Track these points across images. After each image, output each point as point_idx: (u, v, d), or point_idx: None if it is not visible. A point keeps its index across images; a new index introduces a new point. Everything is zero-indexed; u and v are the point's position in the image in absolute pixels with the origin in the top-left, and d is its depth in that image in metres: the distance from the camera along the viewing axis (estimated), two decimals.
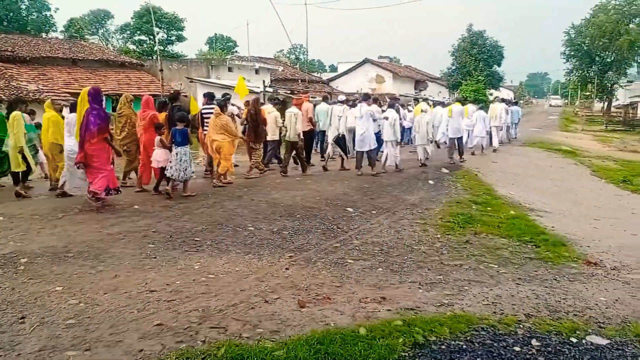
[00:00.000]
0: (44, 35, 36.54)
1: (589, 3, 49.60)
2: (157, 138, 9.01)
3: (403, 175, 12.26)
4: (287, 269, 5.53)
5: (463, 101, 18.15)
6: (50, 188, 9.56)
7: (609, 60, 49.17)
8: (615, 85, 51.91)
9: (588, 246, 7.16)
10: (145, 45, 45.35)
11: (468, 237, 7.27)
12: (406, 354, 3.62)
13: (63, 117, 9.37)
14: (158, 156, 8.95)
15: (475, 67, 45.44)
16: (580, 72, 53.25)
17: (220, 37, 64.67)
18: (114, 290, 4.72)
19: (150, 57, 36.08)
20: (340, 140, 13.14)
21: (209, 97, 11.17)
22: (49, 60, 22.30)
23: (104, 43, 47.87)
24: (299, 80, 33.55)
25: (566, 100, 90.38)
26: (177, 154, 8.74)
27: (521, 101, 66.33)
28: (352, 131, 12.90)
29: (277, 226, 7.30)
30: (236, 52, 55.09)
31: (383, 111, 13.27)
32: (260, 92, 17.94)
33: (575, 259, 6.40)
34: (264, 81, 24.01)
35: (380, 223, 7.84)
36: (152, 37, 43.13)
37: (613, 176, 15.33)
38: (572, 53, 51.54)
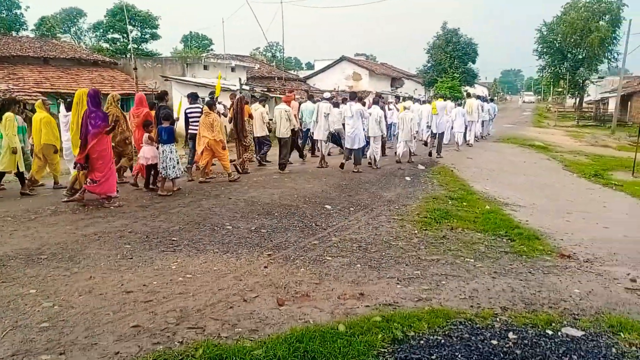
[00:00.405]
0: (14, 34, 35.60)
1: (560, 0, 50.12)
2: (145, 135, 9.15)
3: (380, 172, 12.34)
4: (265, 267, 5.51)
5: (445, 98, 18.72)
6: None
7: (580, 56, 49.98)
8: (586, 82, 52.83)
9: (561, 239, 7.30)
10: (118, 44, 44.73)
11: (445, 232, 7.34)
12: (385, 350, 3.64)
13: (53, 115, 9.53)
14: (146, 153, 9.13)
15: (450, 65, 45.96)
16: (552, 68, 54.10)
17: (195, 35, 64.04)
18: (89, 292, 4.65)
19: (124, 56, 35.55)
20: (335, 137, 13.36)
21: (193, 98, 11.33)
22: (20, 59, 21.75)
23: (76, 41, 46.94)
24: (276, 78, 33.39)
25: (539, 97, 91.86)
26: (163, 151, 8.96)
27: (495, 97, 67.22)
28: (339, 130, 13.21)
29: (255, 224, 7.26)
30: (212, 50, 54.66)
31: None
32: (237, 89, 17.83)
33: (549, 252, 6.52)
34: (240, 79, 23.80)
35: (358, 220, 7.87)
36: (125, 35, 42.57)
37: (585, 170, 15.64)
38: (545, 50, 52.31)
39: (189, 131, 11.09)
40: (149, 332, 3.87)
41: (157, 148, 9.08)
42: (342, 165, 12.31)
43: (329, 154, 14.14)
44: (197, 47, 54.33)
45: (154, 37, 47.59)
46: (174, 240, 6.36)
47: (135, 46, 42.83)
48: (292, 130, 12.43)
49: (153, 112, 9.86)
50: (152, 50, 47.32)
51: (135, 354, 3.55)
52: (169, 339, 3.77)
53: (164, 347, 3.63)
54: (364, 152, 13.03)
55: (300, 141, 14.47)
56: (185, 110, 11.20)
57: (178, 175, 9.28)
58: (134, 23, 44.64)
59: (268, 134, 12.85)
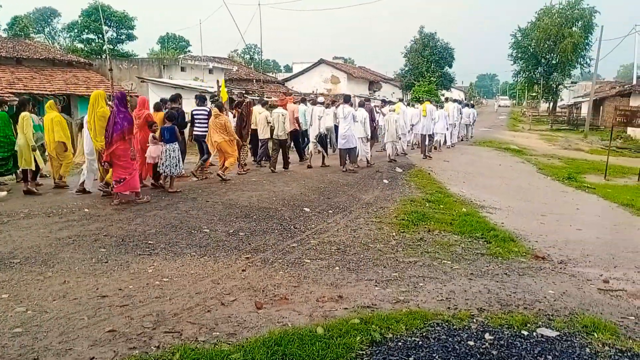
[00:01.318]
0: None
1: (534, 6, 51.14)
2: (150, 135, 9.39)
3: (358, 175, 12.38)
4: (243, 270, 5.48)
5: (431, 102, 19.61)
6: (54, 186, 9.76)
7: (553, 62, 50.98)
8: (560, 86, 53.96)
9: (536, 241, 7.42)
10: (93, 44, 44.07)
11: (422, 234, 7.40)
12: (363, 352, 3.65)
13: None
14: (152, 152, 9.38)
15: (427, 68, 46.38)
16: (527, 73, 55.15)
17: (172, 36, 63.48)
18: (63, 296, 4.56)
19: (99, 57, 35.09)
20: (322, 139, 13.64)
21: (201, 100, 11.68)
22: None
23: (50, 42, 46.17)
24: (254, 80, 33.26)
25: (514, 101, 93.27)
26: (166, 150, 9.23)
27: (472, 101, 68.09)
28: (330, 130, 13.80)
29: (233, 227, 7.22)
30: (189, 51, 54.25)
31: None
32: (215, 91, 17.80)
33: (524, 254, 6.62)
34: (217, 81, 23.67)
35: (336, 222, 7.88)
36: (101, 35, 42.00)
37: (558, 173, 15.92)
38: (519, 55, 53.27)
39: (194, 132, 11.54)
40: (125, 337, 3.81)
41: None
42: (344, 170, 12.82)
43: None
44: (174, 49, 53.80)
45: (130, 37, 47.06)
46: (150, 243, 6.28)
47: (111, 47, 42.31)
48: (292, 131, 13.25)
49: (161, 114, 10.11)
50: (128, 51, 46.80)
51: (111, 359, 3.50)
52: (146, 343, 3.73)
53: (141, 352, 3.58)
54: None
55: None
56: (192, 111, 11.62)
57: (177, 174, 9.55)
58: (109, 23, 44.12)
59: (270, 137, 13.18)
